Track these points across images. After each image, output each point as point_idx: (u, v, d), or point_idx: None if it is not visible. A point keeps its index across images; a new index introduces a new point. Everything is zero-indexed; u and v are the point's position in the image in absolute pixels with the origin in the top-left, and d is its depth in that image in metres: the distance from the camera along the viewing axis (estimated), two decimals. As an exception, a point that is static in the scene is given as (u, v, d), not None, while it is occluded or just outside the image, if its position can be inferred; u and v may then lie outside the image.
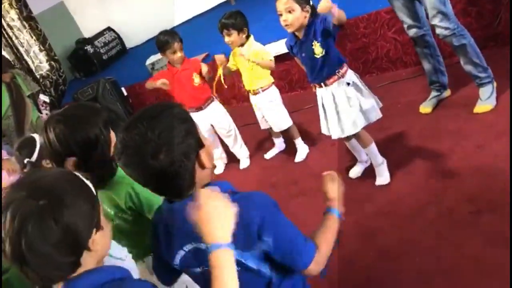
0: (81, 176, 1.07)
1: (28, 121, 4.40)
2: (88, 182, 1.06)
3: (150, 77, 5.43)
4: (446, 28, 2.86)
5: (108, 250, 1.10)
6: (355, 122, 2.68)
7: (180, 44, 3.52)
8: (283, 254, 1.25)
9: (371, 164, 3.00)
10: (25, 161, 2.37)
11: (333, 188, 1.52)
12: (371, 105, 2.70)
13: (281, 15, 2.56)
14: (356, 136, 2.78)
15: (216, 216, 1.09)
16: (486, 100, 2.98)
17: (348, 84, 2.66)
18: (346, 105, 2.66)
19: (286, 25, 2.57)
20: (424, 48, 3.17)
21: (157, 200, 1.73)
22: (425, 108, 3.27)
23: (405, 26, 3.14)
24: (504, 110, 2.85)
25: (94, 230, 1.02)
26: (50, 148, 1.66)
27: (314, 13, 2.59)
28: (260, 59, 3.29)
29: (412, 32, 3.12)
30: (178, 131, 1.16)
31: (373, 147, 2.83)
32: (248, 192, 1.28)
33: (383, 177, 2.86)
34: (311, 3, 2.58)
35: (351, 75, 2.69)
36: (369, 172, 3.00)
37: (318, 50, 2.58)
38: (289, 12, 2.52)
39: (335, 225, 1.42)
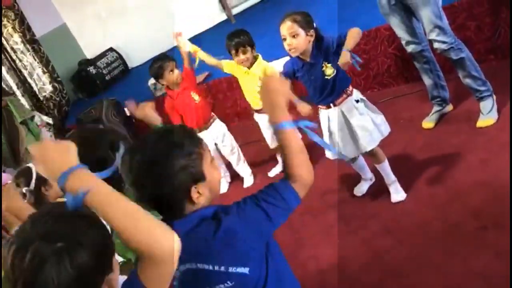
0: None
1: (23, 148, 4.41)
2: (103, 220, 1.06)
3: (151, 99, 5.48)
4: (443, 42, 2.89)
5: None
6: (373, 137, 2.66)
7: (174, 62, 3.55)
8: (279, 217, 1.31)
9: (374, 181, 3.00)
10: (24, 190, 2.39)
11: (281, 92, 1.36)
12: (381, 119, 2.71)
13: (285, 39, 2.55)
14: (371, 152, 2.75)
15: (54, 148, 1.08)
16: (488, 114, 2.98)
17: (357, 101, 2.66)
18: (361, 122, 2.65)
19: (290, 50, 2.56)
20: (423, 64, 3.19)
21: None
22: (428, 123, 3.27)
23: (403, 42, 3.17)
24: (506, 124, 2.84)
25: (106, 273, 1.02)
26: None
27: (318, 36, 2.59)
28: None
29: (410, 48, 3.15)
30: (175, 164, 1.21)
31: (387, 164, 2.82)
32: (224, 210, 1.29)
33: (399, 194, 2.82)
34: (314, 25, 2.58)
35: (357, 93, 2.69)
36: (373, 190, 3.00)
37: (329, 71, 2.57)
38: (293, 36, 2.51)
39: (297, 140, 1.34)
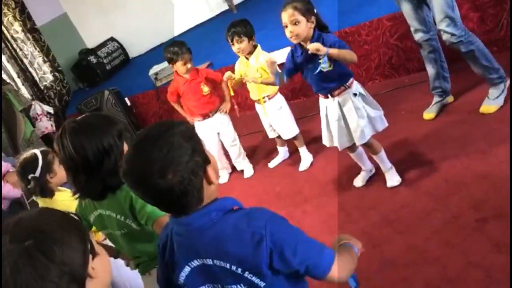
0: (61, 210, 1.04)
1: (21, 136, 4.41)
2: (70, 212, 1.03)
3: (152, 89, 5.48)
4: (452, 35, 2.85)
5: (111, 276, 1.07)
6: (363, 132, 2.68)
7: (190, 55, 3.52)
8: (301, 260, 1.20)
9: (374, 172, 3.00)
10: (29, 176, 2.39)
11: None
12: (378, 114, 2.71)
13: (286, 26, 2.55)
14: (367, 144, 2.78)
15: None
16: (493, 100, 2.98)
17: (355, 94, 2.65)
18: (355, 116, 2.66)
19: (291, 37, 2.56)
20: (429, 53, 3.17)
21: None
22: (429, 114, 3.26)
23: (412, 29, 3.15)
24: (507, 116, 2.83)
25: (91, 257, 0.99)
26: (64, 154, 1.69)
27: (321, 25, 2.59)
28: (267, 79, 3.29)
29: (418, 36, 3.13)
30: (185, 150, 1.16)
31: (383, 153, 2.85)
32: (249, 209, 1.26)
33: (394, 178, 2.86)
34: (315, 12, 2.57)
35: (357, 86, 2.69)
36: (373, 180, 2.99)
37: (324, 65, 2.56)
38: (295, 24, 2.51)
39: (352, 253, 1.37)
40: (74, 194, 1.82)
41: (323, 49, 2.44)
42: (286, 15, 2.52)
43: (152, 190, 1.15)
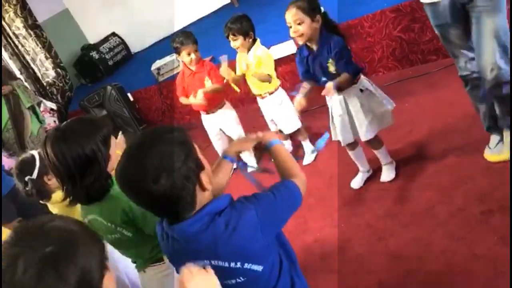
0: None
1: (28, 134, 4.39)
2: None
3: (155, 84, 5.47)
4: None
5: None
6: (368, 128, 2.66)
7: (195, 46, 3.48)
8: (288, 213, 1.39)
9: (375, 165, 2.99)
10: (26, 178, 2.36)
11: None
12: (384, 111, 2.69)
13: (290, 27, 2.52)
14: (369, 140, 2.76)
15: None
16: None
17: (362, 90, 2.63)
18: (360, 112, 2.64)
19: (296, 37, 2.53)
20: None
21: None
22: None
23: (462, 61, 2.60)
24: None
25: (105, 271, 0.98)
26: (49, 163, 1.68)
27: (329, 24, 2.55)
28: (259, 72, 3.29)
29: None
30: (178, 156, 1.18)
31: (384, 149, 2.85)
32: (235, 203, 1.30)
33: (389, 174, 2.87)
34: (322, 10, 2.53)
35: (364, 82, 2.66)
36: (377, 174, 2.98)
37: (333, 67, 2.54)
38: (299, 24, 2.47)
39: (287, 152, 1.55)
40: (63, 200, 1.80)
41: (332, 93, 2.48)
42: (290, 15, 2.48)
43: (146, 195, 1.18)
